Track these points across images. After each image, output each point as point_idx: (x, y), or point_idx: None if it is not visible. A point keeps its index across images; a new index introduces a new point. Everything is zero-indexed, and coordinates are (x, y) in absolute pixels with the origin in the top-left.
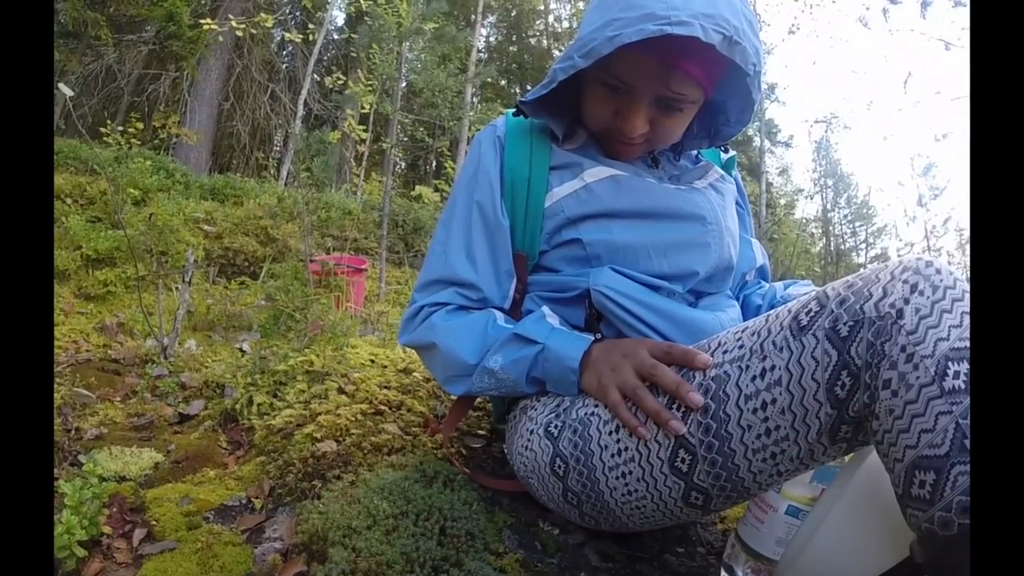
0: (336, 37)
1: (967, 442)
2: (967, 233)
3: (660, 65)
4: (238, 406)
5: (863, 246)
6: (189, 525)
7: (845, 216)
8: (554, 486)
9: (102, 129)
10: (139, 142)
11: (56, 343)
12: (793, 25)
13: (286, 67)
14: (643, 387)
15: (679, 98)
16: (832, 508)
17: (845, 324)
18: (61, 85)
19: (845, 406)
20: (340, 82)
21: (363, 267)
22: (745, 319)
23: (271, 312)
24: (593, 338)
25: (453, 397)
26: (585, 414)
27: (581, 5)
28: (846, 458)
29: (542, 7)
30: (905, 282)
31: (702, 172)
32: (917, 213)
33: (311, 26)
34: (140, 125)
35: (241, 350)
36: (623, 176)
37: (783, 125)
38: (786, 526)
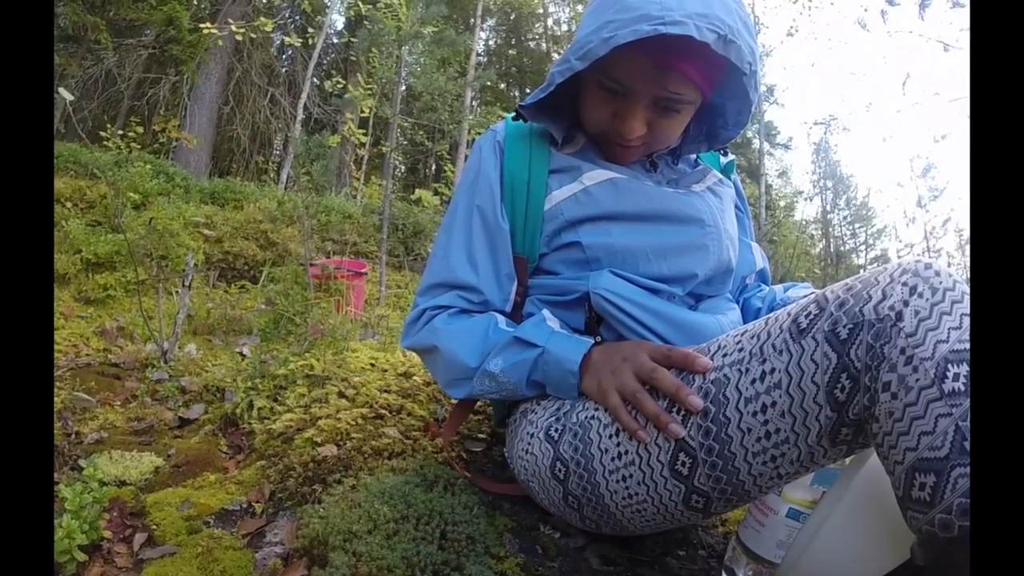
0: (335, 41)
1: (967, 444)
2: (967, 234)
3: (656, 66)
4: (238, 410)
5: (863, 248)
6: (189, 529)
7: (845, 218)
8: (555, 490)
9: (102, 133)
10: (139, 146)
11: (56, 347)
12: (792, 27)
13: (286, 71)
14: (643, 390)
15: (676, 99)
16: (833, 511)
17: (844, 327)
18: (61, 89)
19: (845, 409)
20: (340, 86)
21: (363, 271)
22: (745, 322)
23: (271, 316)
24: (593, 341)
25: (453, 401)
26: (585, 418)
27: (580, 8)
28: (846, 460)
29: (541, 10)
30: (904, 284)
31: (700, 176)
32: (916, 214)
33: (310, 30)
34: (140, 129)
35: (241, 354)
36: (622, 179)
37: (782, 127)
38: (787, 529)
